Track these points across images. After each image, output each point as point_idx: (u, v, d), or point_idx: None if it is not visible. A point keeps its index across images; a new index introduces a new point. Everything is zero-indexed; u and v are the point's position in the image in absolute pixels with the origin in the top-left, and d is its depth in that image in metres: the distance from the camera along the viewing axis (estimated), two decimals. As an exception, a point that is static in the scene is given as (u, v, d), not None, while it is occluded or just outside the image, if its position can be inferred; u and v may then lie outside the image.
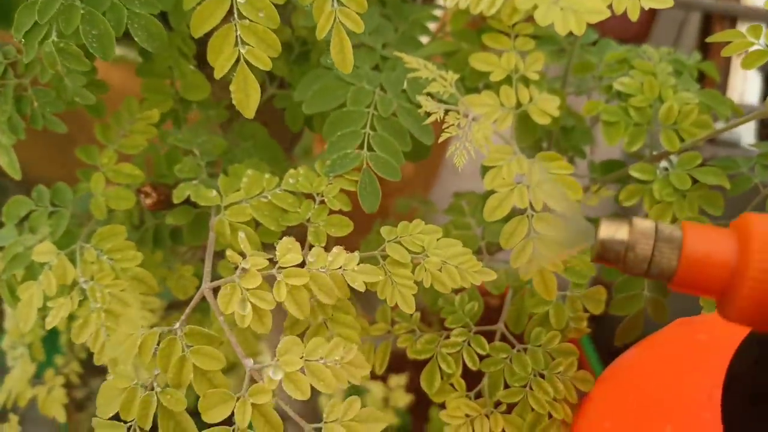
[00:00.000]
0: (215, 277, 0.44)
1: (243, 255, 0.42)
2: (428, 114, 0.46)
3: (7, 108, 0.51)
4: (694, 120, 0.53)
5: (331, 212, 0.47)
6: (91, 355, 0.46)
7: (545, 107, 0.51)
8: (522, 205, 0.45)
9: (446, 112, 0.46)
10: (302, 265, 0.41)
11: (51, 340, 0.78)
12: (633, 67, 0.56)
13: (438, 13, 0.65)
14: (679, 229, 0.32)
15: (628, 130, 0.53)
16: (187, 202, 0.52)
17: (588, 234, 0.33)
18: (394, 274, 0.44)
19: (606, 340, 0.56)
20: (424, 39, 0.63)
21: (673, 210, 0.50)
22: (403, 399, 1.06)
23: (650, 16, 1.43)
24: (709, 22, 1.10)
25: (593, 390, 0.46)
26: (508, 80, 0.51)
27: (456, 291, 0.53)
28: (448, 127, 0.45)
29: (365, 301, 0.54)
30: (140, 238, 0.58)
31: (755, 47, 0.48)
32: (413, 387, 1.07)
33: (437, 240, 0.46)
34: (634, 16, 0.46)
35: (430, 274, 0.45)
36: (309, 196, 0.48)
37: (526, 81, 0.52)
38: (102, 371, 0.43)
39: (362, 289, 0.42)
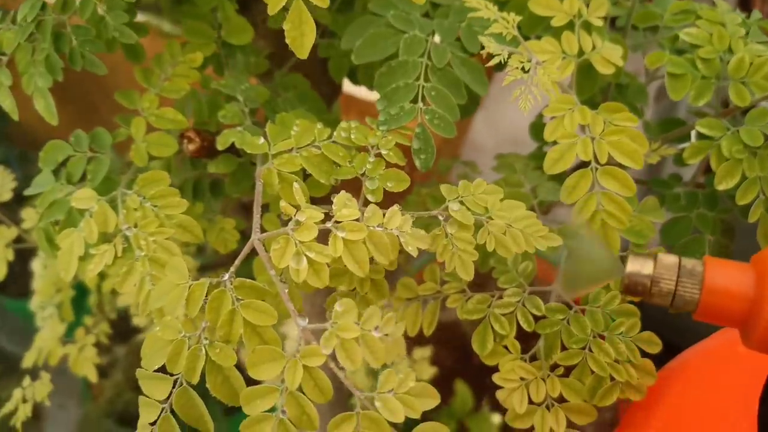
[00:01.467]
0: (262, 230, 0.42)
1: (296, 207, 0.40)
2: (489, 57, 0.44)
3: (46, 46, 0.48)
4: (766, 73, 0.50)
5: (388, 165, 0.45)
6: (118, 317, 0.45)
7: (609, 56, 0.48)
8: (586, 158, 0.43)
9: (509, 54, 0.43)
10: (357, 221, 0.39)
11: (79, 301, 0.78)
12: (700, 17, 0.53)
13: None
14: (701, 264, 0.34)
15: (695, 83, 0.50)
16: (231, 150, 0.50)
17: (616, 269, 0.36)
18: (456, 238, 0.42)
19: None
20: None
21: (742, 168, 0.48)
22: (427, 372, 1.04)
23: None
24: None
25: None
26: (570, 26, 0.49)
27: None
28: (512, 70, 0.43)
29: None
30: (179, 189, 0.56)
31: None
32: (437, 361, 1.05)
33: (500, 201, 0.44)
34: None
35: (494, 237, 0.42)
36: (362, 149, 0.46)
37: (588, 27, 0.49)
38: (127, 337, 0.42)
39: (415, 254, 0.40)
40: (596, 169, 0.43)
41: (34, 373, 0.65)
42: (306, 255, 0.38)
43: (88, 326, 0.75)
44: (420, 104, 0.46)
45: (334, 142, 0.46)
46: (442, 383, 1.05)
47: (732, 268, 0.33)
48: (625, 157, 0.43)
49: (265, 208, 0.50)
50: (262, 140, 0.47)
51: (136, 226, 0.46)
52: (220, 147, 0.49)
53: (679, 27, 0.52)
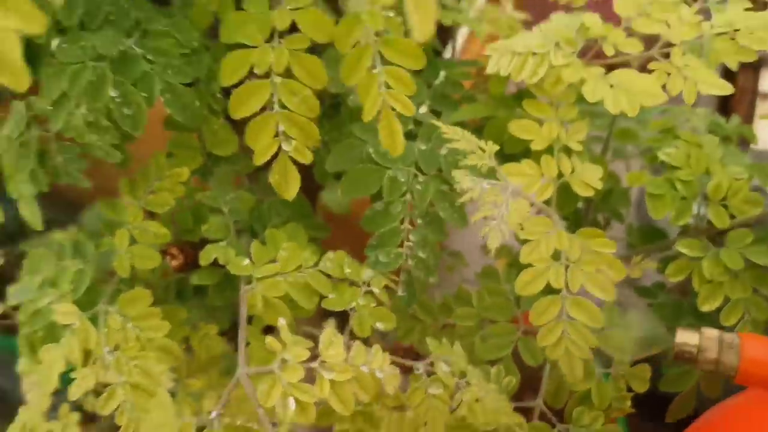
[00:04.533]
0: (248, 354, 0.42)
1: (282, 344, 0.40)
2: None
3: (29, 162, 0.48)
4: (744, 197, 0.51)
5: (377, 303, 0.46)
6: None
7: (587, 179, 0.49)
8: (557, 286, 0.43)
9: (482, 189, 0.44)
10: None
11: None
12: (678, 137, 0.54)
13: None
14: (738, 337, 0.42)
15: (674, 204, 0.51)
16: (215, 263, 0.50)
17: (663, 339, 0.45)
18: (434, 397, 0.44)
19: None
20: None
21: (724, 291, 0.48)
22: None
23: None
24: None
25: None
26: (549, 150, 0.49)
27: (491, 362, 0.51)
28: (483, 206, 0.43)
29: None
30: (163, 293, 0.56)
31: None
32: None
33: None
34: (690, 99, 0.44)
35: (466, 405, 0.44)
36: (351, 282, 0.47)
37: (568, 151, 0.50)
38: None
39: (392, 392, 0.41)
40: (566, 297, 0.44)
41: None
42: (293, 395, 0.38)
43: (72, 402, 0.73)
44: (405, 249, 0.48)
45: (320, 271, 0.46)
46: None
47: (764, 342, 0.41)
48: (598, 289, 0.43)
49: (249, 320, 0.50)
50: (246, 261, 0.47)
51: (117, 348, 0.45)
52: (202, 263, 0.49)
53: (658, 147, 0.53)
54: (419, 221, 0.49)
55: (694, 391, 0.52)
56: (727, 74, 1.07)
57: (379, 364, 0.39)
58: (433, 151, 0.51)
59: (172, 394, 0.41)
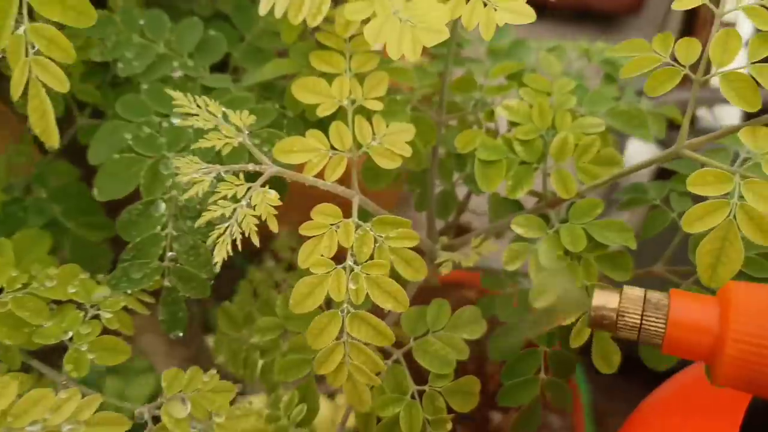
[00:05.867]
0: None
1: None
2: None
3: None
4: (595, 157, 0.40)
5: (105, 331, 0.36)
6: None
7: (394, 144, 0.39)
8: (338, 298, 0.34)
9: (218, 178, 0.33)
10: None
11: None
12: (524, 84, 0.44)
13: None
14: (667, 297, 0.33)
15: (511, 171, 0.41)
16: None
17: (582, 303, 0.35)
18: None
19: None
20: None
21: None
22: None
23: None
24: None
25: None
26: (343, 114, 0.39)
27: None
28: (215, 202, 0.33)
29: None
30: None
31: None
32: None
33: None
34: (488, 34, 0.34)
35: None
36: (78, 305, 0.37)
37: (367, 112, 0.39)
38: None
39: None
40: (347, 312, 0.34)
41: None
42: None
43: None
44: (168, 262, 0.38)
45: (30, 293, 0.36)
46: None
47: (697, 302, 0.33)
48: (388, 299, 0.34)
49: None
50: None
51: None
52: None
53: (501, 98, 0.43)
54: (188, 223, 0.39)
55: (539, 404, 0.42)
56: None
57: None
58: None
59: None
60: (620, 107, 0.45)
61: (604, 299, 0.34)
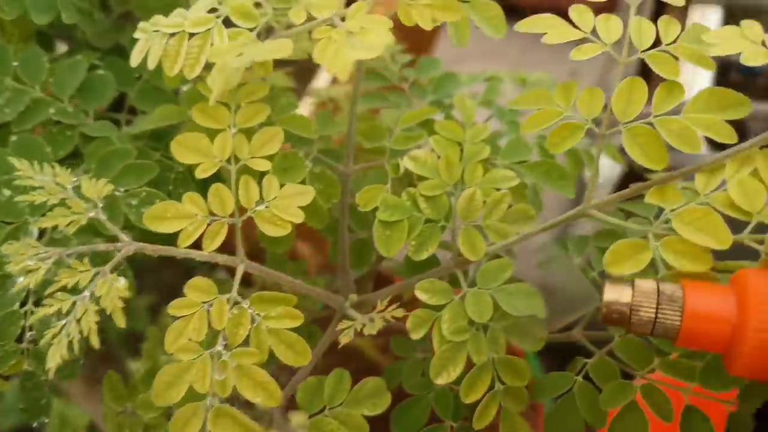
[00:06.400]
0: None
1: None
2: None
3: None
4: (505, 214, 0.37)
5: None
6: None
7: (284, 210, 0.35)
8: (201, 390, 0.30)
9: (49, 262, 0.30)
10: None
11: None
12: (436, 132, 0.41)
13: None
14: (680, 288, 0.32)
15: (415, 231, 0.37)
16: None
17: (591, 298, 0.35)
18: None
19: None
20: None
21: (467, 352, 0.35)
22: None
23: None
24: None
25: None
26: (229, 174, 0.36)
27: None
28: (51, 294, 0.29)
29: None
30: None
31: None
32: None
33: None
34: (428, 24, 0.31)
35: None
36: None
37: (254, 173, 0.36)
38: None
39: None
40: (211, 407, 0.30)
41: None
42: None
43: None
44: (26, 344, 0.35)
45: None
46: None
47: (713, 292, 0.32)
48: (255, 393, 0.30)
49: None
50: None
51: None
52: None
53: (403, 151, 0.40)
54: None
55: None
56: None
57: None
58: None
59: None
60: (535, 160, 0.41)
61: (617, 294, 0.32)
